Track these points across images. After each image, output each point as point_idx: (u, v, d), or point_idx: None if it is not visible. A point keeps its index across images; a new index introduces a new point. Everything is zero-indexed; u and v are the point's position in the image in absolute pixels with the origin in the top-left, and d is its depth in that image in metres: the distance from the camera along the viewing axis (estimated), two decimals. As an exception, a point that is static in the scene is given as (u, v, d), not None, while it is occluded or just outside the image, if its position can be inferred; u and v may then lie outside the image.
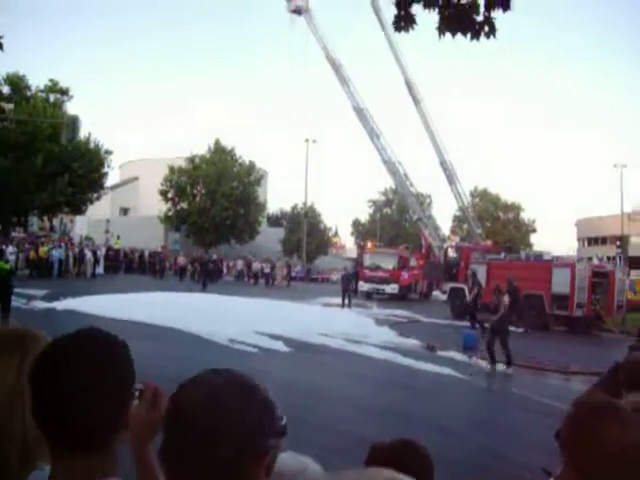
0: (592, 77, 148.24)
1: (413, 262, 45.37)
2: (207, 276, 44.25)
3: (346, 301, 33.39)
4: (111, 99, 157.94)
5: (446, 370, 15.32)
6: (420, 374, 15.01)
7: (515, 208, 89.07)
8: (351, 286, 36.32)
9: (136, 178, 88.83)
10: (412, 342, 20.71)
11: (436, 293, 42.26)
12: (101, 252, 46.29)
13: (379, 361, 16.54)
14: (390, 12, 6.82)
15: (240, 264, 57.65)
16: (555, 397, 11.96)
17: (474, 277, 29.19)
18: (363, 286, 43.53)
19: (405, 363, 16.17)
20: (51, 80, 49.78)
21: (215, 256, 55.75)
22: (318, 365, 15.41)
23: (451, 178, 44.98)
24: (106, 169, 52.14)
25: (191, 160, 64.43)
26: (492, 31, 6.81)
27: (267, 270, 54.60)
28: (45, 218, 52.26)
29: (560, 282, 27.91)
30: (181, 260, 52.00)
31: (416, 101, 45.41)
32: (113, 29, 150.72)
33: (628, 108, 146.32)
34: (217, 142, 65.40)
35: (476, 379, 14.93)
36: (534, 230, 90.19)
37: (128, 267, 51.78)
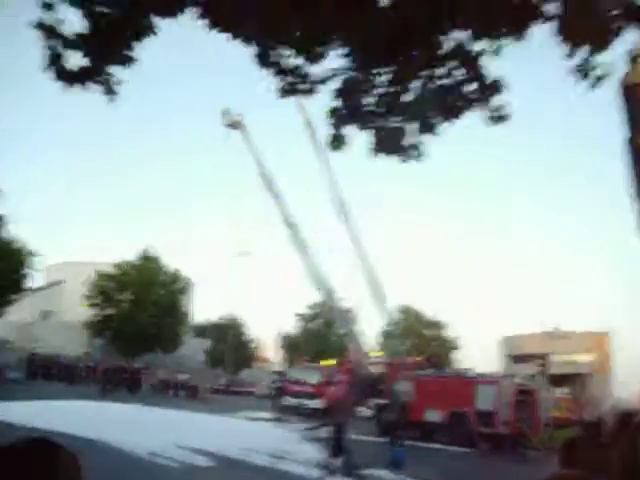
0: (505, 190, 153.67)
1: (339, 377, 45.02)
2: (118, 386, 43.17)
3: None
4: (41, 200, 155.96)
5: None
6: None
7: (439, 325, 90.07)
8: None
9: (61, 281, 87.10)
10: (338, 459, 20.35)
11: (361, 409, 41.92)
12: (19, 357, 44.85)
13: (298, 478, 16.19)
14: (325, 131, 7.11)
15: (162, 374, 56.42)
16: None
17: (394, 394, 29.27)
18: (289, 400, 42.94)
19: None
20: (-23, 177, 49.33)
21: (137, 365, 54.57)
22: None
23: (377, 293, 45.47)
24: (27, 270, 51.02)
25: (119, 266, 63.75)
26: (419, 155, 7.15)
27: (192, 382, 53.64)
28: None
29: (485, 399, 28.10)
30: (101, 369, 50.72)
31: (346, 218, 46.29)
32: (46, 125, 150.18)
33: (549, 229, 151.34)
34: (145, 251, 65.09)
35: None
36: (456, 347, 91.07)
37: (46, 373, 50.10)
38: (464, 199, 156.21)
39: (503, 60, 6.52)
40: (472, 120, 6.93)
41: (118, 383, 48.90)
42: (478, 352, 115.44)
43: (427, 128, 7.07)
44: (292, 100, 7.41)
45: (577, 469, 3.72)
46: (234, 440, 21.03)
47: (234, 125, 47.69)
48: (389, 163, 7.19)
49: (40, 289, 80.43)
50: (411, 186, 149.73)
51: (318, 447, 22.59)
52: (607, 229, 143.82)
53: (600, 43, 6.02)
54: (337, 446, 15.64)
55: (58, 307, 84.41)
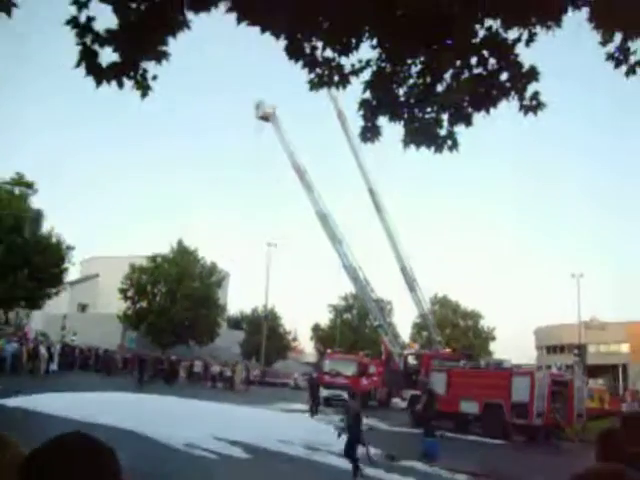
0: (552, 189, 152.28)
1: (373, 369, 44.99)
2: (161, 377, 43.60)
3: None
4: (75, 195, 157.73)
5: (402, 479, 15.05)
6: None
7: (474, 315, 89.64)
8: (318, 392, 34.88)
9: (96, 275, 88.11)
10: (372, 451, 20.34)
11: (396, 400, 41.86)
12: (56, 348, 45.35)
13: (339, 470, 16.20)
14: (357, 123, 7.06)
15: (199, 366, 56.83)
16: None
17: (424, 385, 29.15)
18: (322, 392, 42.95)
19: (366, 473, 15.85)
20: (17, 173, 49.93)
21: (174, 357, 54.99)
22: (277, 473, 15.03)
23: (411, 285, 45.48)
24: (67, 264, 51.79)
25: (153, 259, 64.22)
26: (455, 145, 7.05)
27: (228, 373, 53.91)
28: (0, 311, 51.33)
29: (520, 390, 27.96)
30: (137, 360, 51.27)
31: (378, 208, 46.30)
32: (80, 124, 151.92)
33: (586, 220, 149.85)
34: (180, 242, 65.44)
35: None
36: (493, 338, 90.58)
37: (83, 364, 50.71)
38: (499, 188, 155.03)
39: (536, 49, 6.42)
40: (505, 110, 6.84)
41: (155, 374, 49.43)
42: (513, 343, 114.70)
43: (461, 118, 6.96)
44: (325, 93, 7.37)
45: (614, 462, 3.66)
46: (270, 432, 21.10)
47: (267, 117, 47.86)
48: (423, 155, 7.12)
49: (76, 282, 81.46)
50: (444, 177, 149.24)
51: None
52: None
53: (637, 28, 5.89)
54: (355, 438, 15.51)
55: (94, 300, 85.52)
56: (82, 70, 5.50)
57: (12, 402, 21.93)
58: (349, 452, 15.04)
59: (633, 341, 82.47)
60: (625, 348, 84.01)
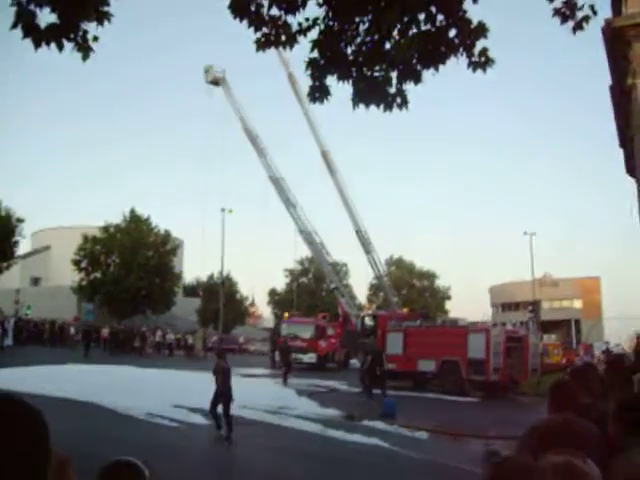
0: (505, 148, 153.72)
1: (331, 331, 45.22)
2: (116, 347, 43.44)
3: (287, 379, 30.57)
4: (23, 165, 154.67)
5: (369, 440, 15.19)
6: (342, 444, 14.85)
7: (430, 276, 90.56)
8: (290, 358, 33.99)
9: (48, 247, 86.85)
10: (332, 412, 20.53)
11: (354, 361, 42.21)
12: (10, 323, 44.72)
13: (301, 432, 16.32)
14: (307, 84, 6.95)
15: (157, 335, 56.64)
16: (472, 462, 11.97)
17: (364, 346, 29.85)
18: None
19: (327, 434, 16.00)
20: (-40, 147, 48.88)
21: (127, 327, 54.76)
22: (239, 438, 15.05)
23: (366, 247, 45.64)
24: (17, 237, 50.93)
25: (105, 229, 63.35)
26: (404, 103, 6.98)
27: (190, 341, 53.94)
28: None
29: (476, 348, 28.33)
30: (105, 332, 50.95)
31: (332, 171, 46.22)
32: (27, 93, 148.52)
33: (538, 178, 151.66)
34: (132, 211, 64.59)
35: (399, 447, 14.79)
36: (449, 297, 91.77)
37: (38, 338, 50.10)
38: (453, 146, 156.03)
39: (484, 5, 6.37)
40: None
41: (112, 345, 49.15)
42: (469, 301, 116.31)
43: (411, 75, 6.89)
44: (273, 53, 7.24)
45: (565, 412, 3.71)
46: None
47: (217, 81, 47.31)
48: (370, 114, 7.04)
49: (28, 255, 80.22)
50: (397, 135, 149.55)
51: (315, 402, 22.81)
52: (597, 172, 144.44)
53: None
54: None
55: (46, 273, 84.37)
56: (19, 32, 5.31)
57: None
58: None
59: (585, 297, 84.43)
60: (577, 304, 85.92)
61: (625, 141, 29.23)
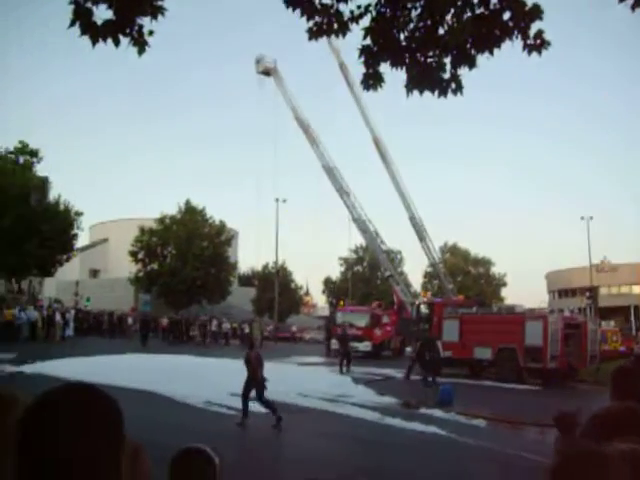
0: (563, 132, 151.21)
1: (386, 319, 45.12)
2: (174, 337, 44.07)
3: (344, 368, 30.26)
4: (80, 160, 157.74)
5: (427, 428, 15.15)
6: (400, 432, 14.85)
7: (485, 262, 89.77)
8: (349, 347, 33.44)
9: (106, 239, 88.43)
10: (389, 400, 20.53)
11: (409, 349, 42.07)
12: (70, 314, 45.66)
13: (358, 420, 16.36)
14: (359, 71, 6.94)
15: (213, 325, 57.26)
16: (533, 451, 11.90)
17: (415, 334, 30.04)
18: (336, 344, 43.14)
19: (384, 422, 16.01)
20: (20, 142, 49.81)
21: (205, 316, 55.41)
22: (298, 426, 15.15)
23: (421, 234, 45.42)
24: (76, 231, 51.87)
25: (161, 221, 64.24)
26: (459, 88, 6.92)
27: (246, 330, 54.37)
28: (13, 280, 51.59)
29: (533, 335, 27.98)
30: (164, 321, 51.84)
31: (384, 158, 46.02)
32: (83, 90, 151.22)
33: (594, 162, 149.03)
34: (187, 202, 65.39)
35: (456, 435, 14.72)
36: (504, 284, 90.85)
37: (98, 329, 51.07)
38: (509, 133, 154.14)
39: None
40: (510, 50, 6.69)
41: (171, 335, 49.92)
42: (525, 288, 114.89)
43: (464, 60, 6.82)
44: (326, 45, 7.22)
45: (629, 400, 3.64)
46: (288, 385, 21.28)
47: (268, 72, 47.43)
48: (429, 100, 6.99)
49: (87, 248, 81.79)
50: (451, 123, 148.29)
51: (372, 390, 22.82)
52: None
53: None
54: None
55: (105, 265, 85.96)
56: (77, 30, 5.40)
57: (30, 369, 22.16)
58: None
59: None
60: (636, 289, 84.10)
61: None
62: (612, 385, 3.96)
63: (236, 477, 4.20)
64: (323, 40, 6.98)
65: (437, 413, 17.93)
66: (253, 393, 15.03)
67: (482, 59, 6.72)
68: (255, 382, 15.08)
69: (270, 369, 28.18)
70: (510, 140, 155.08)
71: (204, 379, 21.07)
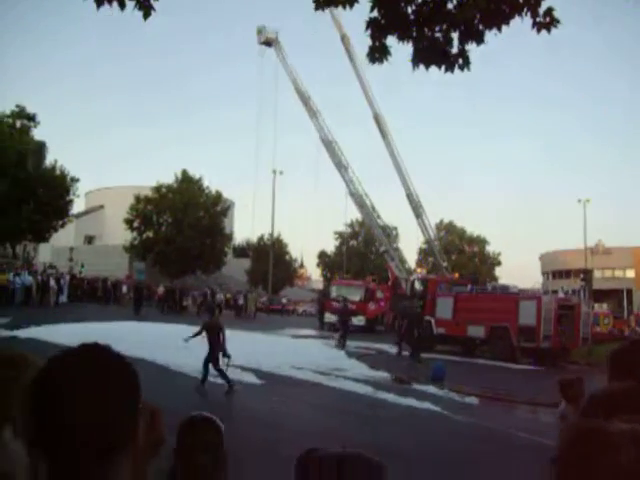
0: (558, 114, 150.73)
1: (380, 294, 45.25)
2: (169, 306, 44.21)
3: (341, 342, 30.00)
4: (78, 126, 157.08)
5: (421, 404, 15.21)
6: (395, 407, 14.93)
7: (480, 241, 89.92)
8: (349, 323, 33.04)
9: (101, 206, 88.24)
10: (382, 374, 20.63)
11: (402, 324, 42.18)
12: (65, 280, 45.59)
13: (353, 394, 16.42)
14: (362, 45, 6.88)
15: (207, 294, 57.41)
16: (524, 429, 12.01)
17: (403, 309, 30.23)
18: (330, 317, 43.30)
19: (379, 396, 16.09)
20: (18, 106, 49.45)
21: (201, 289, 55.53)
22: (291, 398, 15.23)
23: (417, 211, 45.33)
24: (72, 197, 51.63)
25: (157, 189, 63.93)
26: (466, 64, 6.87)
27: (240, 301, 54.43)
28: (7, 245, 51.47)
29: (527, 314, 28.09)
30: (160, 290, 51.88)
31: (384, 134, 45.85)
32: (81, 58, 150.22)
33: (592, 144, 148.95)
34: (184, 172, 65.04)
35: (450, 412, 14.79)
36: (499, 263, 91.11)
37: (92, 296, 51.03)
38: (506, 113, 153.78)
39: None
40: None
41: (165, 304, 49.91)
42: (519, 268, 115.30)
43: (473, 36, 6.75)
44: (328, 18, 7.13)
45: (627, 381, 3.63)
46: (282, 358, 21.38)
47: (269, 42, 47.09)
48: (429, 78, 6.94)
49: (82, 214, 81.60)
50: (450, 102, 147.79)
51: (364, 364, 22.91)
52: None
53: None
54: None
55: (100, 232, 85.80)
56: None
57: (24, 333, 22.15)
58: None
59: (638, 266, 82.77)
60: (630, 273, 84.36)
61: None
62: (610, 366, 3.96)
63: (237, 446, 4.20)
64: (326, 12, 6.90)
65: (430, 389, 18.02)
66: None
67: (490, 34, 6.67)
68: (213, 350, 15.24)
69: (264, 341, 28.48)
70: (509, 119, 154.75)
71: (197, 349, 21.04)
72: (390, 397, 15.94)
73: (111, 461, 1.39)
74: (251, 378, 17.13)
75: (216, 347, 15.26)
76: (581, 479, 1.84)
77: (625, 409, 3.17)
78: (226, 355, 15.28)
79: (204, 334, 15.68)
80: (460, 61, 6.83)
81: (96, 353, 1.47)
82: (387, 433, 11.77)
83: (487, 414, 15.36)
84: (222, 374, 15.25)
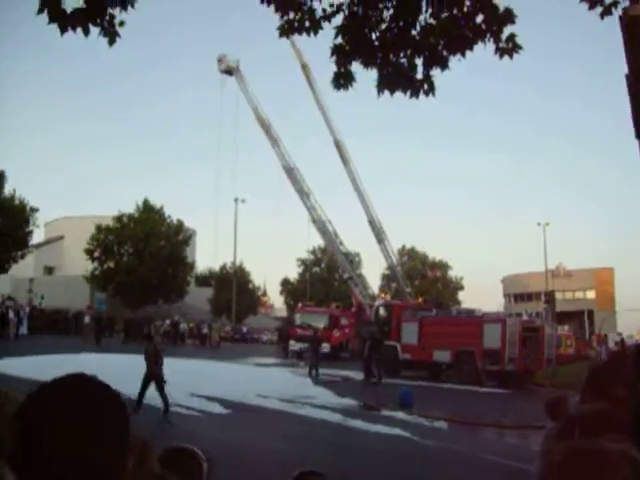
0: (519, 137, 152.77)
1: (344, 321, 45.15)
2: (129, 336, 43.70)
3: (313, 371, 28.79)
4: (37, 155, 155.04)
5: (391, 430, 15.12)
6: (363, 434, 14.82)
7: (442, 266, 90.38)
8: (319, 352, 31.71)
9: (61, 237, 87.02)
10: (349, 401, 20.52)
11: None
12: (24, 312, 44.84)
13: (322, 422, 16.29)
14: (322, 72, 6.90)
15: (167, 324, 56.87)
16: (493, 452, 12.00)
17: (364, 334, 30.49)
18: (294, 345, 43.05)
19: (348, 424, 15.98)
20: (-26, 137, 48.87)
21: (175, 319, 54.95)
22: (257, 427, 15.05)
23: (379, 237, 45.55)
24: (31, 227, 50.91)
25: (119, 219, 63.35)
26: (431, 89, 6.93)
27: (205, 331, 53.95)
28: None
29: (492, 337, 28.28)
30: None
31: (345, 161, 46.09)
32: (39, 86, 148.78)
33: (552, 169, 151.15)
34: (145, 201, 64.57)
35: (419, 437, 14.72)
36: (461, 287, 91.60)
37: (53, 327, 50.21)
38: (466, 138, 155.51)
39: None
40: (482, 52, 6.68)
41: (131, 335, 49.23)
42: (481, 292, 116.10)
43: (437, 62, 6.82)
44: (288, 44, 7.16)
45: (602, 400, 3.62)
46: (248, 386, 21.19)
47: (230, 71, 47.15)
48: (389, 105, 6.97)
49: (42, 245, 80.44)
50: (411, 128, 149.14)
51: (331, 391, 22.77)
52: (606, 166, 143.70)
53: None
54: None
55: (60, 262, 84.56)
56: (45, 17, 5.25)
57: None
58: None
59: (599, 288, 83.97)
60: (591, 294, 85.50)
61: (641, 132, 29.11)
62: (586, 385, 3.94)
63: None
64: (286, 42, 6.92)
65: (399, 415, 17.94)
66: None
67: (454, 60, 6.73)
68: (152, 376, 15.27)
69: (229, 370, 28.20)
70: (470, 144, 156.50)
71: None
72: (359, 424, 15.83)
73: None
74: (217, 408, 16.91)
75: (152, 373, 15.31)
76: None
77: (603, 429, 3.16)
78: (162, 381, 15.24)
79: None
80: (425, 86, 6.89)
81: (83, 383, 1.40)
82: (360, 461, 11.68)
83: (456, 438, 15.33)
84: (165, 399, 15.30)
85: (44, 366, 21.75)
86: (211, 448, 1.79)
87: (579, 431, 3.43)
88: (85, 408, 1.34)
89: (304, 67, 45.43)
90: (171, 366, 27.01)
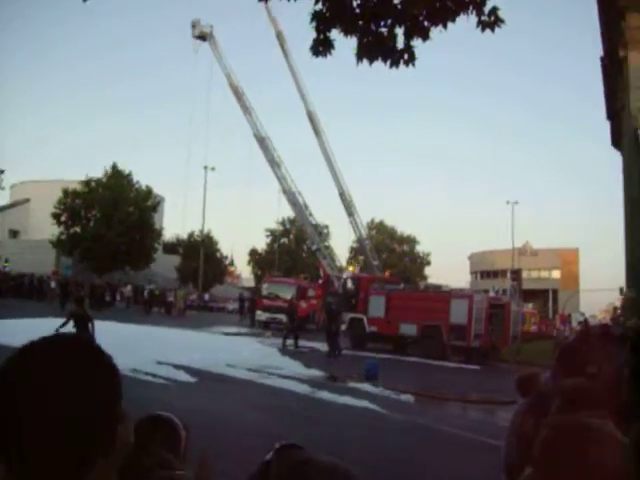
0: (491, 116, 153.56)
1: (312, 292, 45.25)
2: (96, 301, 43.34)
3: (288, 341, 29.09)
4: (2, 117, 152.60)
5: (358, 402, 15.14)
6: (332, 405, 14.85)
7: (410, 241, 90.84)
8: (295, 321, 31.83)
9: (27, 200, 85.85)
10: (316, 372, 20.55)
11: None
12: (-13, 276, 44.38)
13: (289, 393, 16.28)
14: (297, 40, 6.76)
15: (128, 290, 56.53)
16: (457, 426, 12.10)
17: (327, 305, 30.55)
18: (261, 315, 43.08)
19: (316, 395, 15.99)
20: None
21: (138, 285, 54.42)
22: (224, 395, 15.01)
23: (349, 209, 45.59)
24: (-5, 189, 50.07)
25: (86, 183, 62.44)
26: (412, 59, 6.83)
27: (170, 299, 53.65)
28: None
29: (458, 313, 28.47)
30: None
31: (317, 132, 45.92)
32: (14, 46, 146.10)
33: (521, 148, 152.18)
34: (114, 166, 63.72)
35: (387, 410, 14.78)
36: (429, 263, 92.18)
37: (17, 291, 49.72)
38: (438, 114, 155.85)
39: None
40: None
41: (97, 300, 48.83)
42: (448, 268, 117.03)
43: (418, 32, 6.71)
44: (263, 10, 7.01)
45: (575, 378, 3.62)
46: (214, 355, 21.13)
47: (204, 36, 46.63)
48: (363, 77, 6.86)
49: (6, 208, 79.33)
50: (384, 101, 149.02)
51: (298, 362, 22.81)
52: (576, 148, 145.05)
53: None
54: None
55: (25, 226, 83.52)
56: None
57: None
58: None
59: (564, 267, 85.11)
60: (556, 274, 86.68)
61: (612, 114, 29.26)
62: (558, 363, 3.93)
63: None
64: (262, 9, 6.76)
65: (365, 387, 18.00)
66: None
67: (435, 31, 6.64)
68: None
69: (196, 338, 28.11)
70: (441, 120, 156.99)
71: (128, 346, 20.62)
72: (328, 396, 15.84)
73: (90, 468, 1.21)
74: (184, 376, 16.83)
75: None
76: (565, 474, 1.78)
77: (582, 404, 3.15)
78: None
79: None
80: (406, 56, 6.79)
81: (72, 343, 1.30)
82: (328, 433, 11.67)
83: (423, 411, 15.43)
84: None
85: (13, 331, 21.60)
86: (177, 415, 1.70)
87: (558, 406, 3.41)
88: (74, 367, 1.23)
89: (279, 35, 45.03)
90: (134, 333, 27.09)
